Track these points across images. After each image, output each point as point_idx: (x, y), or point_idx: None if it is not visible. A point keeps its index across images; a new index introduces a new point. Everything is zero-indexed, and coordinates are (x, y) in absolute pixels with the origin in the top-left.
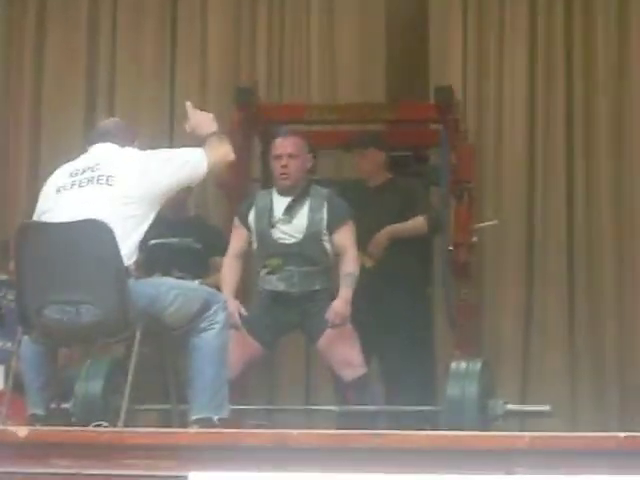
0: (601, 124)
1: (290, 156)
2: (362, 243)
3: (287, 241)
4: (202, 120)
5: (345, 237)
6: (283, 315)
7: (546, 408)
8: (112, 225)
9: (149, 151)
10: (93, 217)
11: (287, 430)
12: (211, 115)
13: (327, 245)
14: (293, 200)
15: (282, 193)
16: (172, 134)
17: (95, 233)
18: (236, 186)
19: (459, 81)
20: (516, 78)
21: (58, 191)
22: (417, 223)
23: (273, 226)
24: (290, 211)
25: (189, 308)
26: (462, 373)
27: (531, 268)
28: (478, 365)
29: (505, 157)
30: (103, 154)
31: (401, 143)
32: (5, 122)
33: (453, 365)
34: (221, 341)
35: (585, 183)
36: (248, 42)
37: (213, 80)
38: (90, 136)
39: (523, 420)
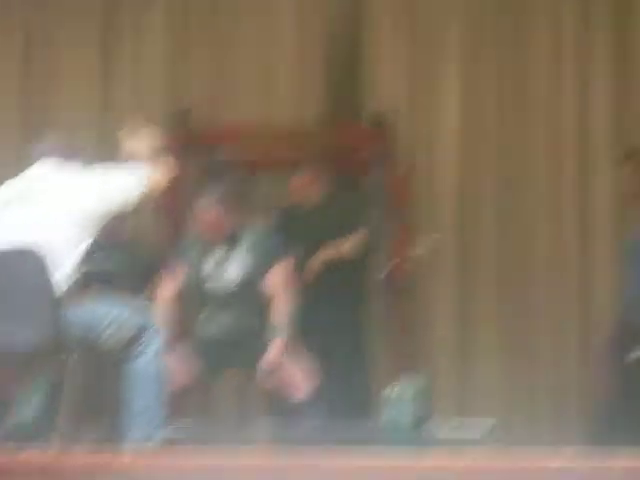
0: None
1: (212, 225)
2: (300, 261)
3: (220, 292)
4: (137, 145)
5: (273, 282)
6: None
7: (477, 436)
8: (46, 250)
9: (85, 173)
10: (27, 242)
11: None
12: (149, 134)
13: None
14: (225, 250)
15: (213, 242)
16: (107, 151)
17: (28, 263)
18: (173, 209)
19: (392, 102)
20: (449, 99)
21: None
22: (347, 247)
23: (204, 281)
24: (221, 264)
25: (124, 333)
26: (396, 398)
27: (464, 286)
28: (413, 388)
29: (437, 178)
30: (41, 174)
31: (336, 168)
32: None
33: (388, 390)
34: (156, 365)
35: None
36: (183, 62)
37: (149, 102)
38: (26, 156)
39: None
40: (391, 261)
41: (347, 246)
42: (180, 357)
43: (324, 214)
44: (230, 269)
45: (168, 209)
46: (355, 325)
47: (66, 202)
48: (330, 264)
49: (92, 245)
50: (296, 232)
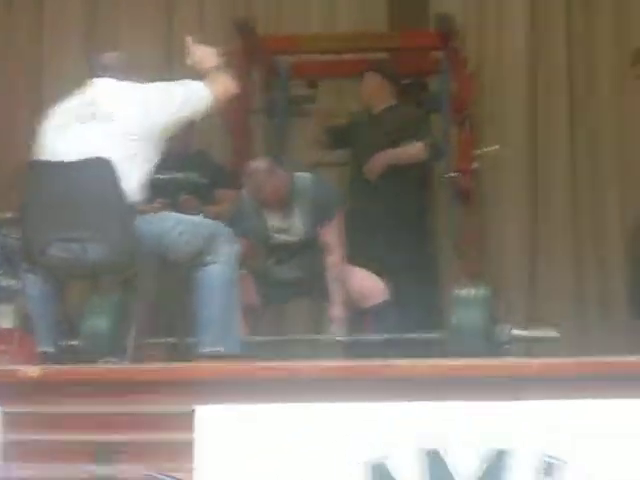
0: (605, 47)
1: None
2: (361, 167)
3: (286, 243)
4: (203, 54)
5: (331, 235)
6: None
7: (553, 333)
8: (116, 162)
9: (150, 85)
10: (96, 155)
11: (296, 362)
12: (213, 49)
13: None
14: (283, 213)
15: (271, 210)
16: (171, 70)
17: (99, 171)
18: (238, 118)
19: (459, 8)
20: (516, 2)
21: (59, 128)
22: (415, 149)
23: (271, 237)
24: (283, 221)
25: (194, 243)
26: (467, 300)
27: (534, 191)
28: (483, 291)
29: (505, 83)
30: (103, 90)
31: (402, 71)
32: (4, 58)
33: (457, 292)
34: (227, 274)
35: (587, 105)
36: None
37: (211, 15)
38: (90, 70)
39: (530, 345)
40: (457, 167)
41: (413, 149)
42: (244, 280)
43: (391, 119)
44: (292, 229)
45: (233, 121)
46: (421, 232)
47: (132, 114)
48: (395, 169)
49: (160, 157)
50: (363, 136)
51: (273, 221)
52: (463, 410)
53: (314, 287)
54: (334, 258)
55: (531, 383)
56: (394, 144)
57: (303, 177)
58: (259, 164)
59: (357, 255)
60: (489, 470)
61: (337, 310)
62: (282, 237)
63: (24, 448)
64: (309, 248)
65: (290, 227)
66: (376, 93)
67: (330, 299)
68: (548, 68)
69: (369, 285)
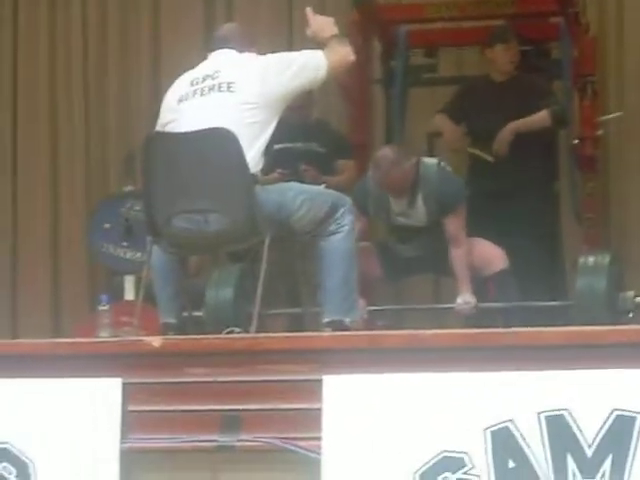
0: None
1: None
2: (485, 137)
3: (410, 226)
4: (323, 24)
5: (456, 226)
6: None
7: None
8: (236, 132)
9: (268, 55)
10: (217, 125)
11: (420, 331)
12: (332, 19)
13: None
14: (407, 200)
15: (395, 198)
16: (291, 39)
17: (221, 141)
18: (358, 88)
19: None
20: None
21: (180, 101)
22: (540, 117)
23: (393, 220)
24: (406, 207)
25: (316, 212)
26: (591, 267)
27: None
28: (606, 258)
29: (627, 48)
30: (222, 61)
31: (522, 38)
32: (125, 32)
33: (581, 259)
34: (349, 244)
35: None
36: None
37: None
38: (209, 43)
39: None
40: (580, 134)
41: (538, 117)
42: (367, 252)
43: (517, 88)
44: (415, 214)
45: (352, 91)
46: (546, 203)
47: (251, 83)
48: (519, 138)
49: (280, 125)
50: (487, 106)
51: (396, 206)
52: (587, 378)
53: (436, 264)
54: (460, 250)
55: None
56: (520, 113)
57: (429, 165)
58: (386, 153)
59: (482, 227)
60: (613, 435)
61: (467, 297)
62: (404, 221)
63: (145, 418)
64: (431, 232)
65: (413, 213)
66: (507, 63)
67: (458, 288)
68: None
69: (489, 253)
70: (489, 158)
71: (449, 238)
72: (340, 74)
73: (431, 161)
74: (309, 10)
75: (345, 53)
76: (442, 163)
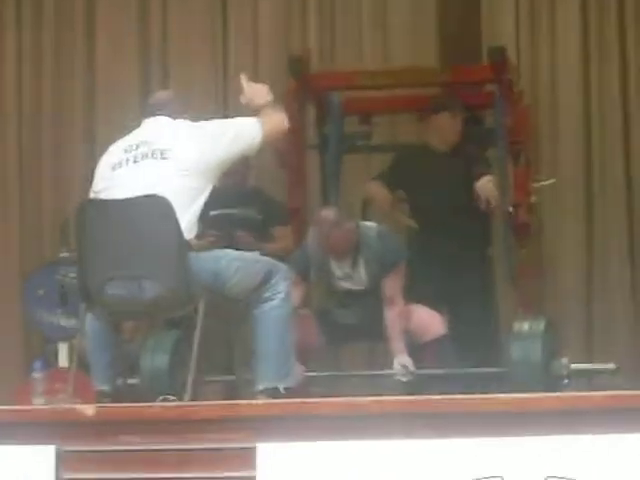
0: None
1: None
2: (425, 206)
3: (352, 289)
4: (257, 91)
5: (394, 286)
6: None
7: (611, 366)
8: (171, 199)
9: (203, 122)
10: (151, 193)
11: (355, 398)
12: (266, 86)
13: None
14: (349, 263)
15: (336, 260)
16: (226, 108)
17: (155, 209)
18: (293, 155)
19: (512, 43)
20: (569, 36)
21: (114, 168)
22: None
23: (334, 283)
24: (348, 270)
25: (251, 280)
26: (525, 334)
27: (591, 223)
28: (541, 325)
29: (561, 115)
30: (156, 128)
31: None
32: (59, 97)
33: (516, 326)
34: (284, 310)
35: None
36: (299, 11)
37: (265, 51)
38: (143, 110)
39: (589, 379)
40: (514, 201)
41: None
42: (306, 320)
43: (460, 158)
44: (356, 275)
45: (287, 157)
46: (481, 267)
47: (185, 151)
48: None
49: (217, 192)
50: (428, 173)
51: (338, 269)
52: (522, 445)
53: (374, 330)
54: (395, 311)
55: (592, 416)
56: (466, 182)
57: (368, 227)
58: (327, 214)
59: (417, 289)
60: None
61: (403, 359)
62: (346, 285)
63: None
64: (371, 295)
65: (354, 276)
66: (453, 132)
67: (393, 350)
68: (602, 100)
69: (428, 319)
70: (414, 225)
71: (385, 299)
72: (275, 140)
73: (370, 224)
74: (243, 77)
75: (279, 120)
76: (381, 225)
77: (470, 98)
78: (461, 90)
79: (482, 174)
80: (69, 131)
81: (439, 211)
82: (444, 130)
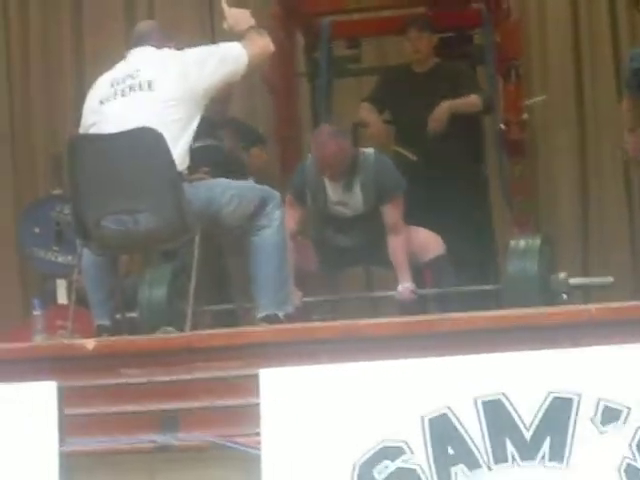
0: None
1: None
2: (408, 127)
3: (347, 215)
4: (238, 16)
5: (395, 215)
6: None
7: (609, 280)
8: (161, 130)
9: (187, 50)
10: (141, 125)
11: (354, 321)
12: (247, 11)
13: None
14: (344, 184)
15: (331, 179)
16: (212, 36)
17: (147, 141)
18: (282, 81)
19: None
20: None
21: (102, 102)
22: (472, 101)
23: (330, 208)
24: (343, 194)
25: (246, 207)
26: (522, 250)
27: (583, 139)
28: (537, 241)
29: (550, 31)
30: (141, 59)
31: (444, 25)
32: (47, 33)
33: (512, 243)
34: (280, 237)
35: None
36: None
37: None
38: (129, 41)
39: (586, 293)
40: (505, 119)
41: (471, 99)
42: (304, 246)
43: (441, 77)
44: (352, 201)
45: (277, 84)
46: (475, 188)
47: (171, 80)
48: (447, 125)
49: (202, 123)
50: (411, 96)
51: (333, 194)
52: (522, 360)
53: (372, 254)
54: (399, 239)
55: (589, 329)
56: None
57: (367, 154)
58: (324, 127)
59: (415, 215)
60: (550, 417)
61: (408, 284)
62: (341, 210)
63: (82, 421)
64: (367, 221)
65: (350, 201)
66: (428, 50)
67: (399, 276)
68: (591, 16)
69: (427, 239)
70: (413, 157)
71: (388, 227)
72: (261, 65)
73: (369, 150)
74: (224, 3)
75: (264, 44)
76: (380, 153)
77: (458, 17)
78: (448, 8)
79: (469, 93)
80: (57, 65)
81: (422, 133)
82: (414, 48)
